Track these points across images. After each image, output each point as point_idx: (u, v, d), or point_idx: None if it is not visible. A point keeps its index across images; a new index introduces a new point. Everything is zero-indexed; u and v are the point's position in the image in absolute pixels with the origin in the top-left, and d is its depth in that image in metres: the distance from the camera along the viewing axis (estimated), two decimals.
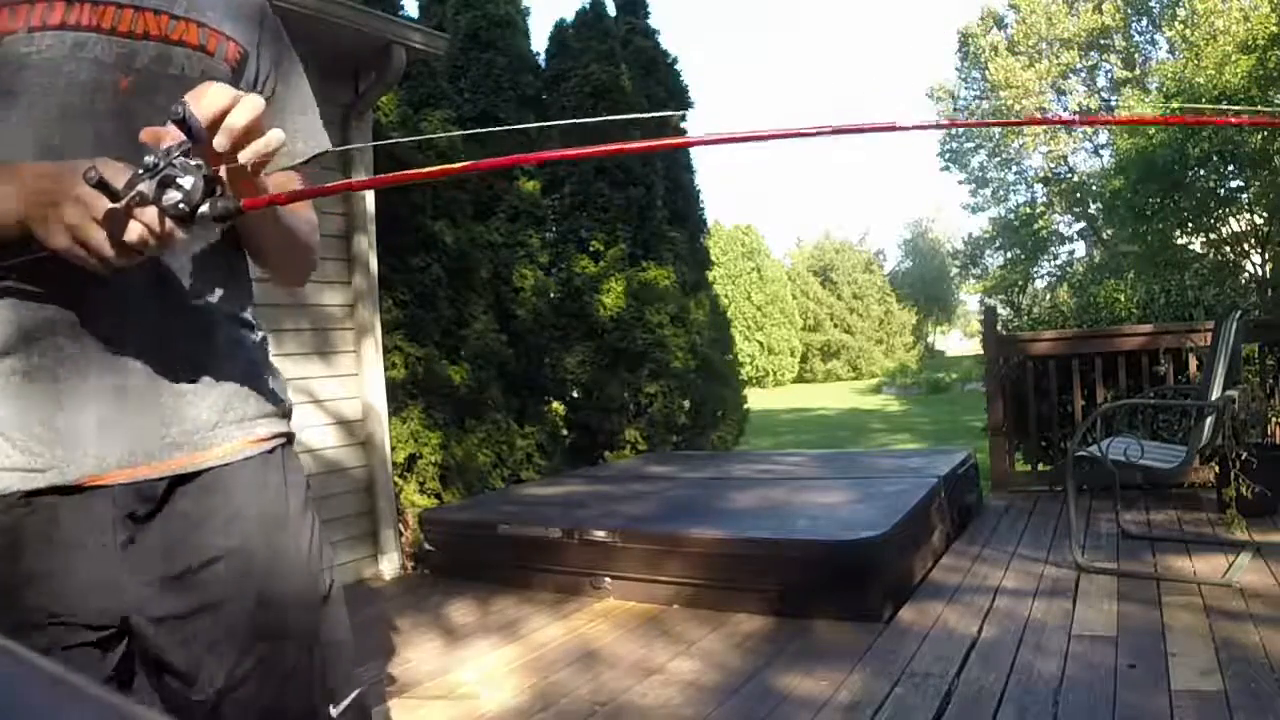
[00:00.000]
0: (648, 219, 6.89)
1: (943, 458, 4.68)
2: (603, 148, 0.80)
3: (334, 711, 1.00)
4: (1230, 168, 13.70)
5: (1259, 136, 12.62)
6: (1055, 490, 4.88)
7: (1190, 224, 14.60)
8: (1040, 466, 5.31)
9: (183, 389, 0.92)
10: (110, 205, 0.71)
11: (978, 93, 28.37)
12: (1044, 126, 26.77)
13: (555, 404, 6.36)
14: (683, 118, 7.39)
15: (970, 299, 41.59)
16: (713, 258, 8.61)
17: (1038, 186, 27.51)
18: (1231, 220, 15.16)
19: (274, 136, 0.80)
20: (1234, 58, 13.31)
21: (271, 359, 1.08)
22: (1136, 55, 25.35)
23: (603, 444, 6.48)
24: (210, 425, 0.94)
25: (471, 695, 2.58)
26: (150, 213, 0.72)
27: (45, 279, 0.83)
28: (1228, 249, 15.65)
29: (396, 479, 4.55)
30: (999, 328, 5.67)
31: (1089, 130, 26.09)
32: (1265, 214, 14.56)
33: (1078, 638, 2.66)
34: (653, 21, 7.64)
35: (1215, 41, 15.85)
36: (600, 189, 6.73)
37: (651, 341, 6.56)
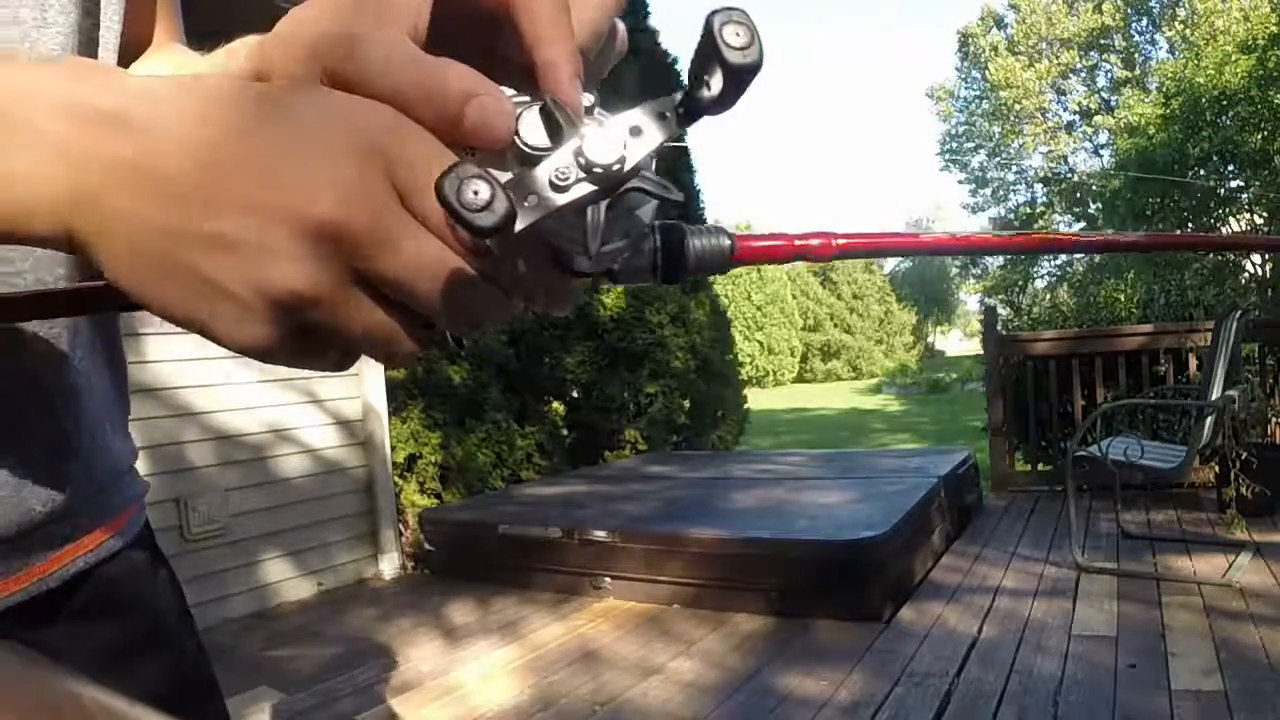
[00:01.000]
0: None
1: (943, 458, 4.68)
2: None
3: None
4: (1230, 168, 13.71)
5: (1259, 136, 12.62)
6: (1055, 490, 4.88)
7: (1190, 224, 14.61)
8: (1040, 466, 5.31)
9: None
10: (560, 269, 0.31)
11: (978, 92, 28.38)
12: (1042, 127, 26.75)
13: (555, 404, 6.36)
14: None
15: (970, 299, 41.66)
16: None
17: (1038, 186, 27.53)
18: (1231, 220, 15.17)
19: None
20: (1234, 58, 13.32)
21: None
22: (1136, 55, 25.36)
23: (603, 444, 6.48)
24: None
25: (471, 695, 2.59)
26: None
27: None
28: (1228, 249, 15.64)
29: (396, 479, 4.55)
30: (999, 328, 5.67)
31: (1089, 130, 26.11)
32: (1265, 214, 14.56)
33: (1078, 638, 2.66)
34: (653, 22, 7.64)
35: (1215, 41, 15.86)
36: None
37: (651, 341, 6.56)
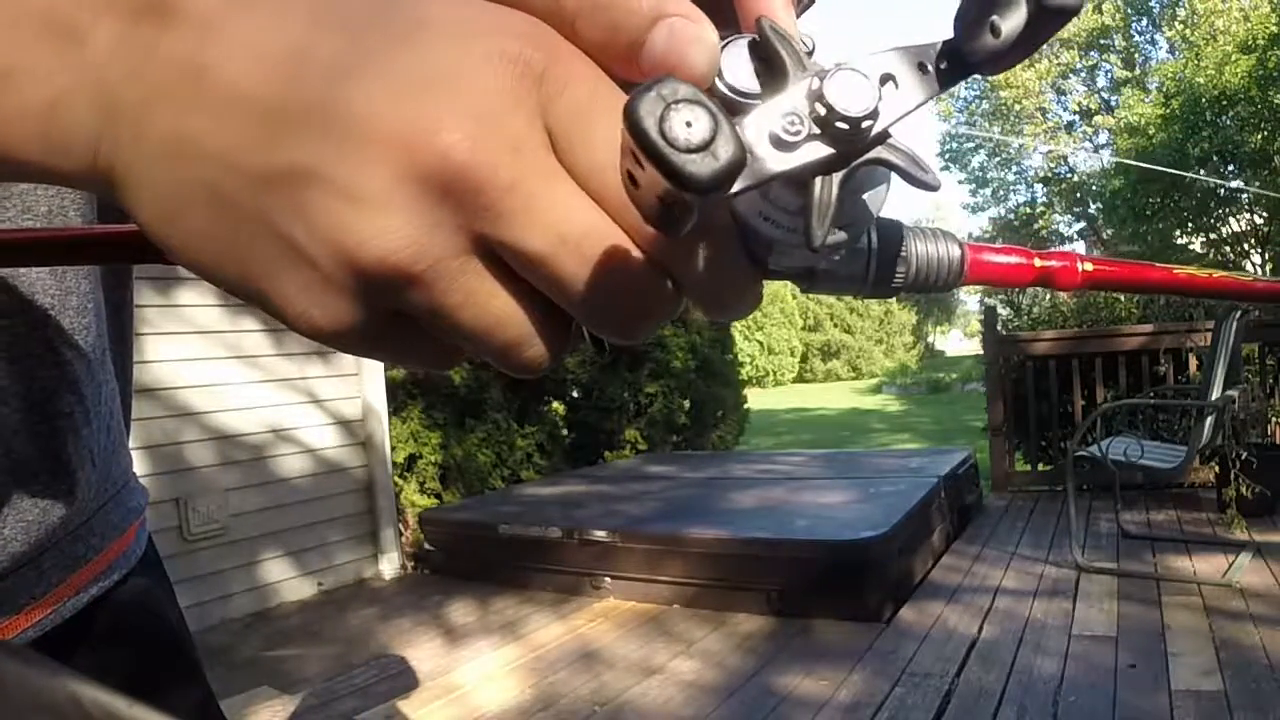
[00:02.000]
0: None
1: (943, 458, 4.68)
2: None
3: None
4: (1230, 168, 13.72)
5: (1259, 136, 12.63)
6: (1055, 490, 4.87)
7: (1190, 224, 14.62)
8: (1040, 466, 5.31)
9: None
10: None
11: (978, 92, 28.38)
12: (1042, 127, 26.75)
13: (555, 404, 6.36)
14: None
15: (970, 299, 41.63)
16: None
17: (1038, 186, 27.54)
18: (1231, 220, 15.18)
19: None
20: (1234, 58, 13.32)
21: None
22: (1136, 55, 25.36)
23: (603, 444, 6.48)
24: None
25: (471, 695, 2.59)
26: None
27: None
28: (1228, 249, 15.66)
29: (396, 479, 4.55)
30: (999, 328, 5.68)
31: (1089, 130, 26.12)
32: (1265, 214, 14.57)
33: (1078, 638, 2.66)
34: None
35: (1215, 41, 15.86)
36: None
37: (651, 341, 6.56)
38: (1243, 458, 3.79)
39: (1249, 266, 15.45)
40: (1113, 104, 25.05)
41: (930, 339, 47.81)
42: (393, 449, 4.50)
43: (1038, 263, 0.28)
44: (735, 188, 0.19)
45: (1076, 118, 26.82)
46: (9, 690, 0.20)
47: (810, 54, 0.22)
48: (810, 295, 36.06)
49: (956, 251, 0.27)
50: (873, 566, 3.05)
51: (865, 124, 0.20)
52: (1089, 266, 0.28)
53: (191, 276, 3.59)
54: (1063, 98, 26.97)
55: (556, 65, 0.21)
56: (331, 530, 4.08)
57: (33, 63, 0.20)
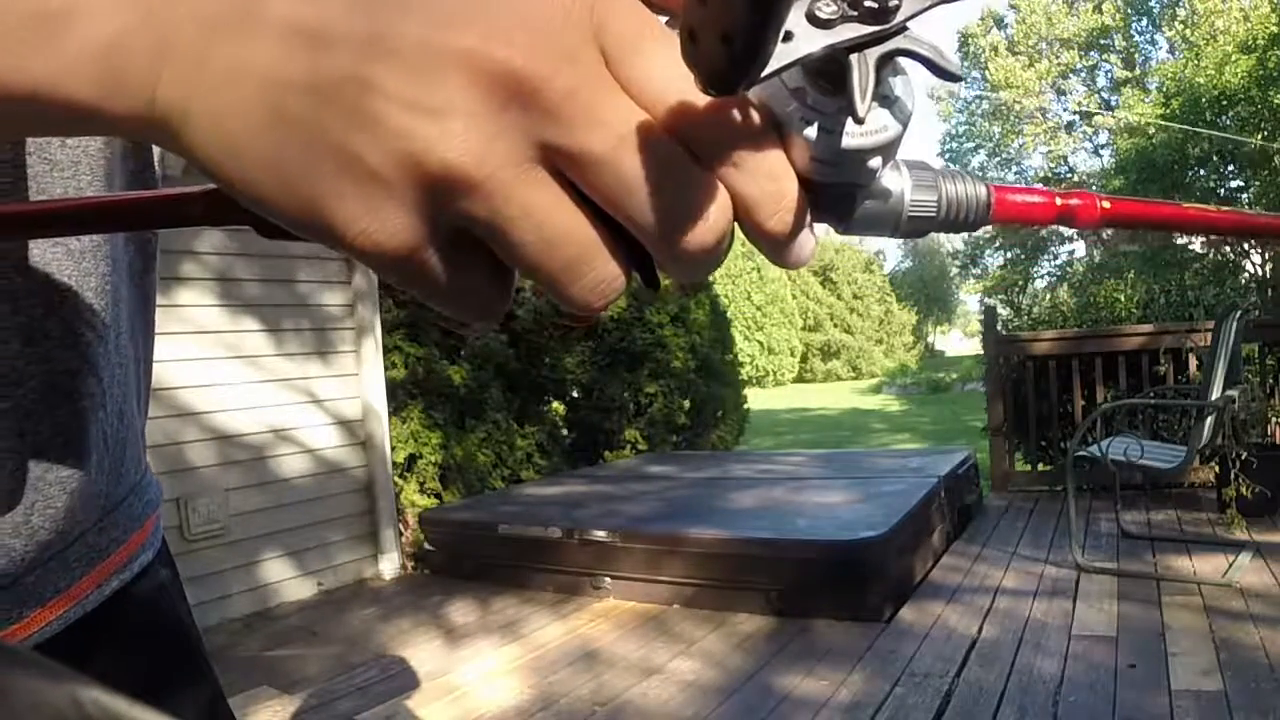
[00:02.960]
0: None
1: (943, 458, 4.68)
2: None
3: None
4: (1230, 168, 13.72)
5: (1259, 136, 12.62)
6: (1055, 490, 4.88)
7: None
8: (1040, 466, 5.31)
9: None
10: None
11: (978, 92, 28.38)
12: (1042, 127, 26.75)
13: (555, 404, 6.36)
14: None
15: (970, 299, 41.64)
16: None
17: (1037, 187, 27.57)
18: None
19: None
20: (1234, 58, 13.33)
21: None
22: (1136, 55, 25.38)
23: (603, 444, 6.48)
24: None
25: (471, 695, 2.59)
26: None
27: None
28: (1228, 249, 15.66)
29: (396, 479, 4.55)
30: (999, 328, 5.68)
31: (1089, 129, 26.12)
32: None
33: (1078, 638, 2.66)
34: None
35: (1215, 41, 15.86)
36: None
37: (651, 341, 6.56)
38: (1243, 458, 3.79)
39: (1249, 266, 15.44)
40: (1113, 104, 25.04)
41: (930, 339, 47.82)
42: (393, 449, 4.50)
43: (1059, 201, 0.30)
44: (781, 63, 0.20)
45: (1076, 118, 26.81)
46: (9, 694, 0.20)
47: None
48: (810, 295, 36.12)
49: (984, 191, 0.28)
50: (873, 566, 3.05)
51: (893, 3, 0.21)
52: (1106, 204, 0.30)
53: (192, 276, 3.60)
54: (1063, 98, 26.97)
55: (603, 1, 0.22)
56: (331, 530, 4.08)
57: (92, 3, 0.20)
